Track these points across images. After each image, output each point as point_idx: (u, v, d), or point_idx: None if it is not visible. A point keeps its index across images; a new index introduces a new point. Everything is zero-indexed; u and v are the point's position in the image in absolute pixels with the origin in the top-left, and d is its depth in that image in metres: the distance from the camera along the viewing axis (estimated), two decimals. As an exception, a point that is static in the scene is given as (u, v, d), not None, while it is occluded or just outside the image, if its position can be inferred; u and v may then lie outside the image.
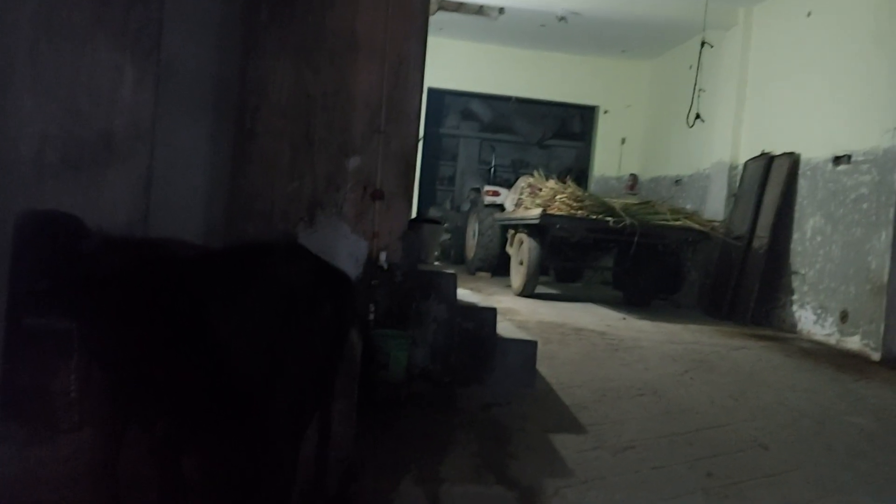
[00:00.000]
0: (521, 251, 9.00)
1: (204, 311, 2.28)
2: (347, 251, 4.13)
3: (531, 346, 4.70)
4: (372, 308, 4.11)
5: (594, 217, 7.98)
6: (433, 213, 13.02)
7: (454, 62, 12.18)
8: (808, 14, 8.29)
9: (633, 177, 12.79)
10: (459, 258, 12.29)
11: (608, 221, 7.84)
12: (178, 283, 2.39)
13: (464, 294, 5.22)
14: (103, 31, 3.52)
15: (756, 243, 8.37)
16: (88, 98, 3.57)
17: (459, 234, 12.49)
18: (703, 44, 8.66)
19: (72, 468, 2.80)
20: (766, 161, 8.60)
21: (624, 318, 7.78)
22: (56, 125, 3.55)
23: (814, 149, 7.88)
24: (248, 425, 2.28)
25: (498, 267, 10.76)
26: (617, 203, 8.33)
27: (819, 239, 7.62)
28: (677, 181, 11.32)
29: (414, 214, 4.92)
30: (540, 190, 9.22)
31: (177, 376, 2.44)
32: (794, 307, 7.92)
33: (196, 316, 2.28)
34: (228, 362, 2.25)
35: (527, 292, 8.83)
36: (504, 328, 4.97)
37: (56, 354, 2.80)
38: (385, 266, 4.14)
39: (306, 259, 2.50)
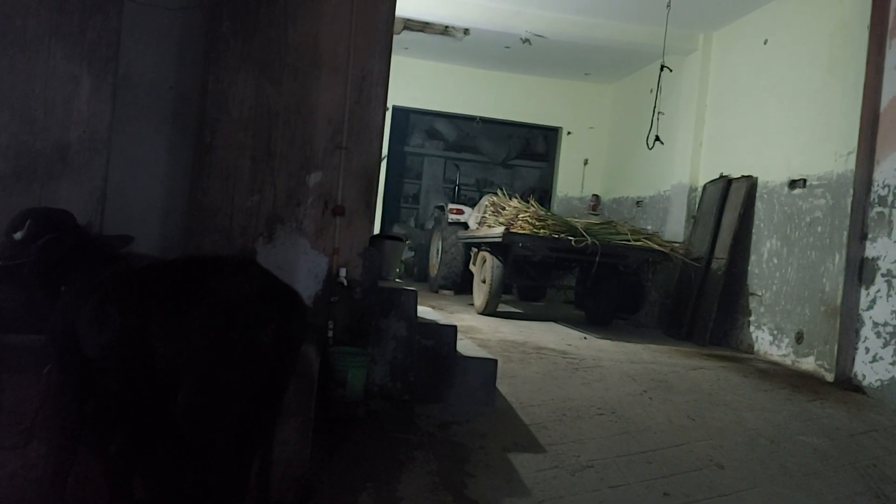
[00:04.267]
0: (484, 269, 9.01)
1: (144, 326, 2.22)
2: (307, 267, 4.10)
3: (491, 364, 4.68)
4: (331, 325, 4.07)
5: (556, 236, 8.01)
6: (397, 230, 13.00)
7: (419, 81, 12.26)
8: (765, 42, 8.50)
9: (596, 197, 12.94)
10: (423, 276, 12.28)
11: (570, 240, 7.87)
12: (122, 295, 2.33)
13: (425, 311, 5.20)
14: (59, 39, 3.46)
15: (714, 265, 8.49)
16: (43, 107, 3.50)
17: (423, 251, 12.49)
18: (662, 68, 8.82)
19: (18, 486, 2.72)
20: (725, 184, 8.75)
21: (585, 338, 7.82)
22: (8, 135, 3.47)
23: (770, 172, 8.04)
24: (194, 446, 2.22)
25: (461, 285, 10.77)
26: (579, 223, 8.37)
27: (775, 261, 7.76)
28: (638, 202, 11.47)
29: (377, 231, 4.89)
30: (503, 209, 9.25)
31: (125, 395, 2.38)
32: (752, 328, 8.04)
33: (138, 331, 2.22)
34: (168, 380, 2.19)
35: (489, 310, 8.83)
36: (464, 346, 4.95)
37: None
38: (345, 282, 4.11)
39: (252, 276, 2.43)
